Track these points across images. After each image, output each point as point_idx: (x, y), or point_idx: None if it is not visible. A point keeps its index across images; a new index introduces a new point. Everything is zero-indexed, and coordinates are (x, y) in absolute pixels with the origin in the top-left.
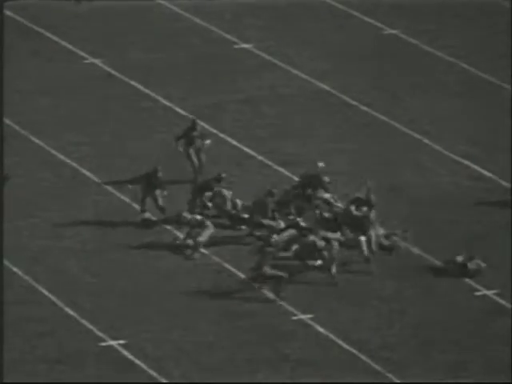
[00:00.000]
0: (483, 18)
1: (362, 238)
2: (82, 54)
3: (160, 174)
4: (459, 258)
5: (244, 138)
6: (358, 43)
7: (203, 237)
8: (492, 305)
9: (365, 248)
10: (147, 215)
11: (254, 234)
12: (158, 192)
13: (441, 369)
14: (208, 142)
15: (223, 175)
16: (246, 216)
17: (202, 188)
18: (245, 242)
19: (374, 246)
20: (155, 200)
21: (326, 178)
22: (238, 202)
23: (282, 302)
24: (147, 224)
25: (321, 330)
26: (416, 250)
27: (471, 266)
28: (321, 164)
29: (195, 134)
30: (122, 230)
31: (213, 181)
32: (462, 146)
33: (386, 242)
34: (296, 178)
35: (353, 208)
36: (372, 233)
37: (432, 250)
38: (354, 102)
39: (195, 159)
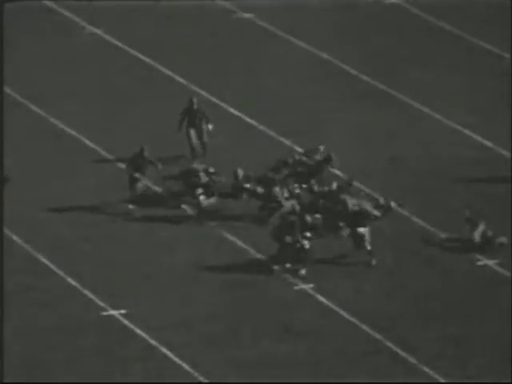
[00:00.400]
0: None
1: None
2: (83, 23)
3: (146, 154)
4: (477, 235)
5: (245, 108)
6: (359, 13)
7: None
8: (493, 275)
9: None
10: (132, 207)
11: (268, 207)
12: (141, 184)
13: (441, 339)
14: (211, 126)
15: (211, 170)
16: (247, 185)
17: (189, 173)
18: (248, 212)
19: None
20: (135, 187)
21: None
22: (239, 171)
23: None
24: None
25: (322, 299)
26: (416, 221)
27: (498, 240)
28: (322, 147)
29: (197, 112)
30: (122, 200)
31: (201, 172)
32: (462, 116)
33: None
34: (297, 148)
35: (351, 202)
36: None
37: (432, 221)
38: (355, 72)
39: (195, 141)
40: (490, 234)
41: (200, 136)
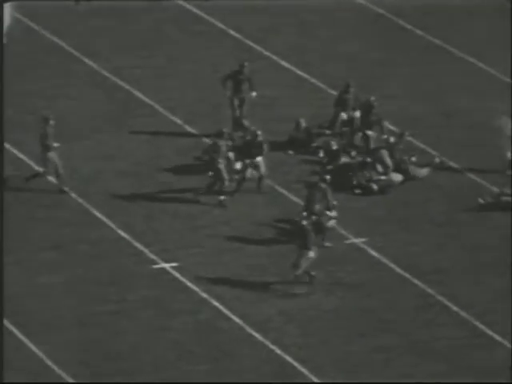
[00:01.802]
0: None
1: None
2: None
3: (225, 144)
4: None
5: (297, 61)
6: None
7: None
8: None
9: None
10: (223, 197)
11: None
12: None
13: (492, 292)
14: (254, 93)
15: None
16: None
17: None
18: (300, 166)
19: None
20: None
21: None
22: (302, 121)
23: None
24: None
25: (373, 253)
26: (470, 175)
27: None
28: (373, 98)
29: (243, 77)
30: (174, 152)
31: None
32: None
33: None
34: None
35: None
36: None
37: (486, 175)
38: (409, 26)
39: (237, 110)
40: None
41: (241, 106)
